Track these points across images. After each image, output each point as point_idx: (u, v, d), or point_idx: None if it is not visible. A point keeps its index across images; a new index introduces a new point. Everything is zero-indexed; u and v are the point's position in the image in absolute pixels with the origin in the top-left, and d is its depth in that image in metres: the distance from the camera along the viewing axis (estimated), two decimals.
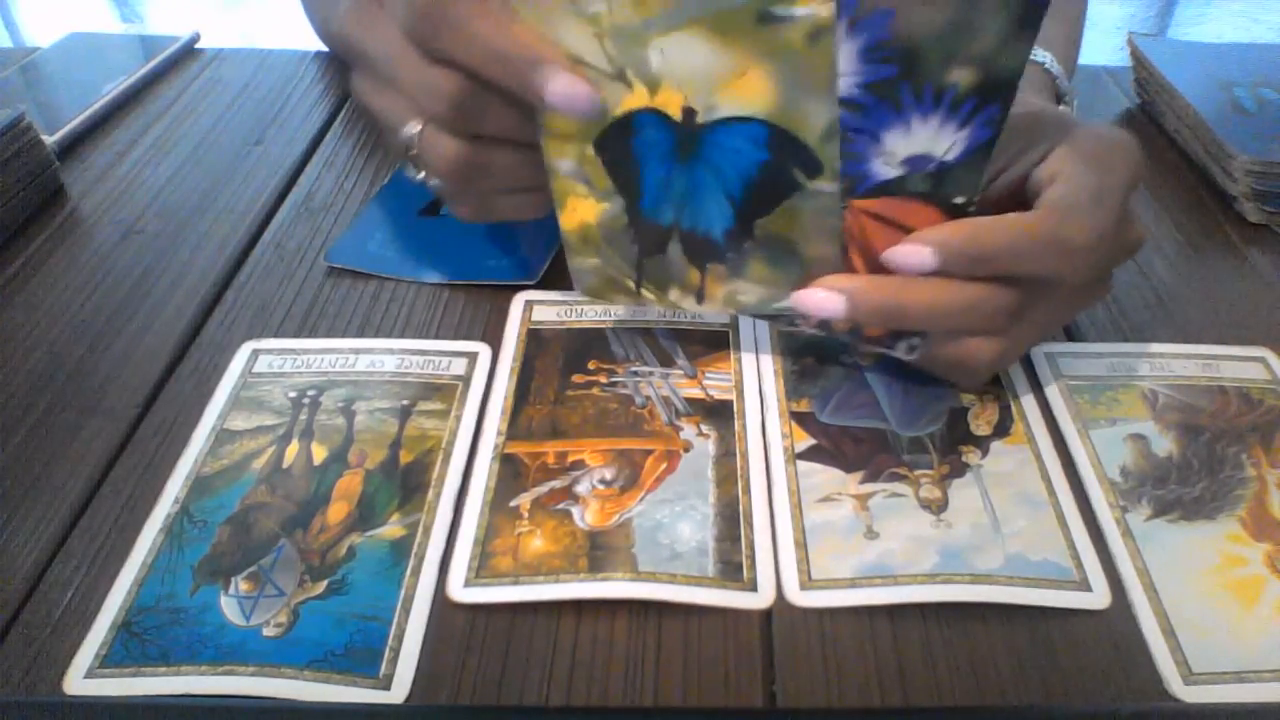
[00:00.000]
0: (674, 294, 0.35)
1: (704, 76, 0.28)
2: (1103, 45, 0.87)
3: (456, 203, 0.36)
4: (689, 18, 0.27)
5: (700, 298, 0.34)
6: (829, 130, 0.28)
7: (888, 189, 0.29)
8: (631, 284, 0.35)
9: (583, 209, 0.33)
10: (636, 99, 0.29)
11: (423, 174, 0.35)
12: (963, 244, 0.29)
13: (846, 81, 0.27)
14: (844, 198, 0.30)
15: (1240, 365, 0.36)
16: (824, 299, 0.31)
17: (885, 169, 0.29)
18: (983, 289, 0.30)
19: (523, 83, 0.30)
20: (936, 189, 0.29)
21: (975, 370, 0.32)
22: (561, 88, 0.29)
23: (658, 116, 0.30)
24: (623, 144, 0.31)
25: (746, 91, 0.28)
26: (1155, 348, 0.37)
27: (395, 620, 0.28)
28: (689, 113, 0.29)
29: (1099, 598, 0.28)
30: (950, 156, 0.28)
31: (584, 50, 0.29)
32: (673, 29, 0.27)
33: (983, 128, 0.27)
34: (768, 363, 0.36)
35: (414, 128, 0.33)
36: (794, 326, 0.34)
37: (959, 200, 0.29)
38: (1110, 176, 0.30)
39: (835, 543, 0.30)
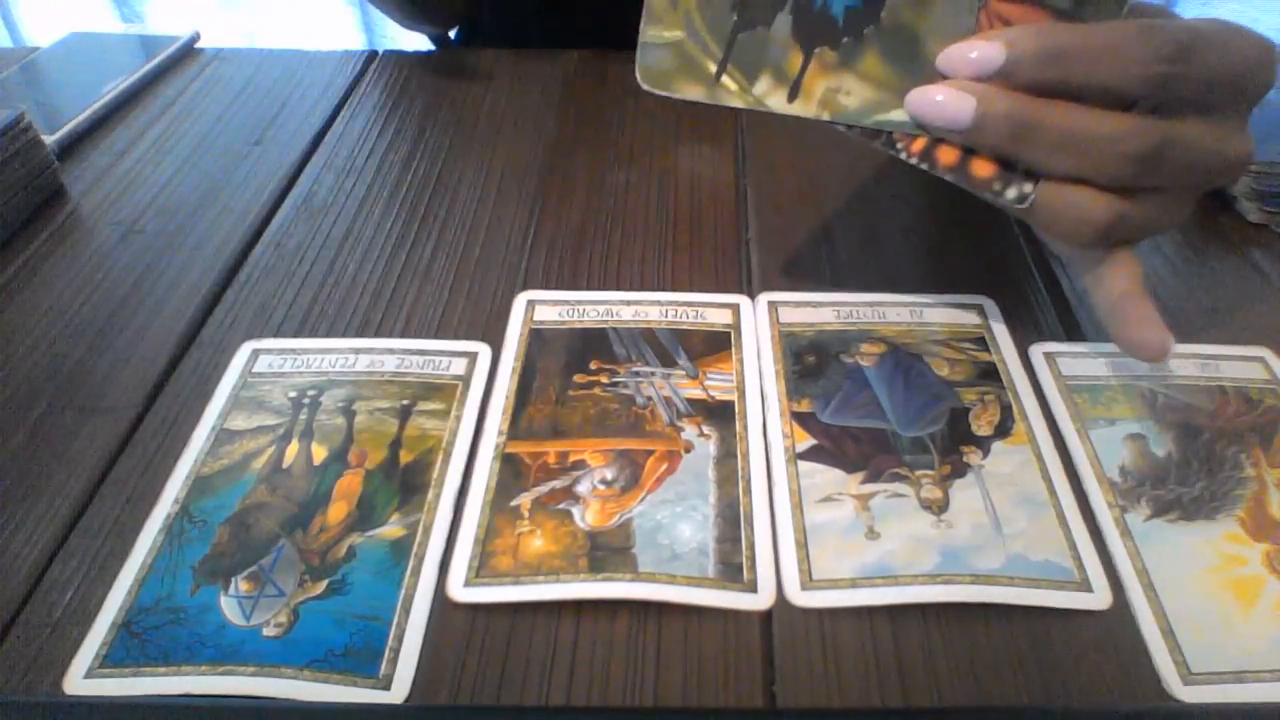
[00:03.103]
0: (762, 85, 0.30)
1: None
2: None
3: None
4: None
5: (794, 92, 0.30)
6: None
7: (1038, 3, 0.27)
8: (712, 66, 0.30)
9: None
10: None
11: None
12: (1034, 36, 0.27)
13: None
14: None
15: (1240, 365, 0.36)
16: (950, 100, 0.28)
17: None
18: (1123, 122, 0.28)
19: None
20: (1078, 7, 0.27)
21: (1083, 227, 0.30)
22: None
23: None
24: None
25: None
26: None
27: (395, 620, 0.28)
28: None
29: (1100, 598, 0.28)
30: None
31: None
32: None
33: None
34: (769, 363, 0.36)
35: None
36: (893, 150, 0.31)
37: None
38: (1218, 43, 0.28)
39: (836, 543, 0.30)
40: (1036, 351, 0.37)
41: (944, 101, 0.28)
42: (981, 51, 0.28)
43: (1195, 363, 0.36)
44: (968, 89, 0.28)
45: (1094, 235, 0.30)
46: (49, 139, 0.48)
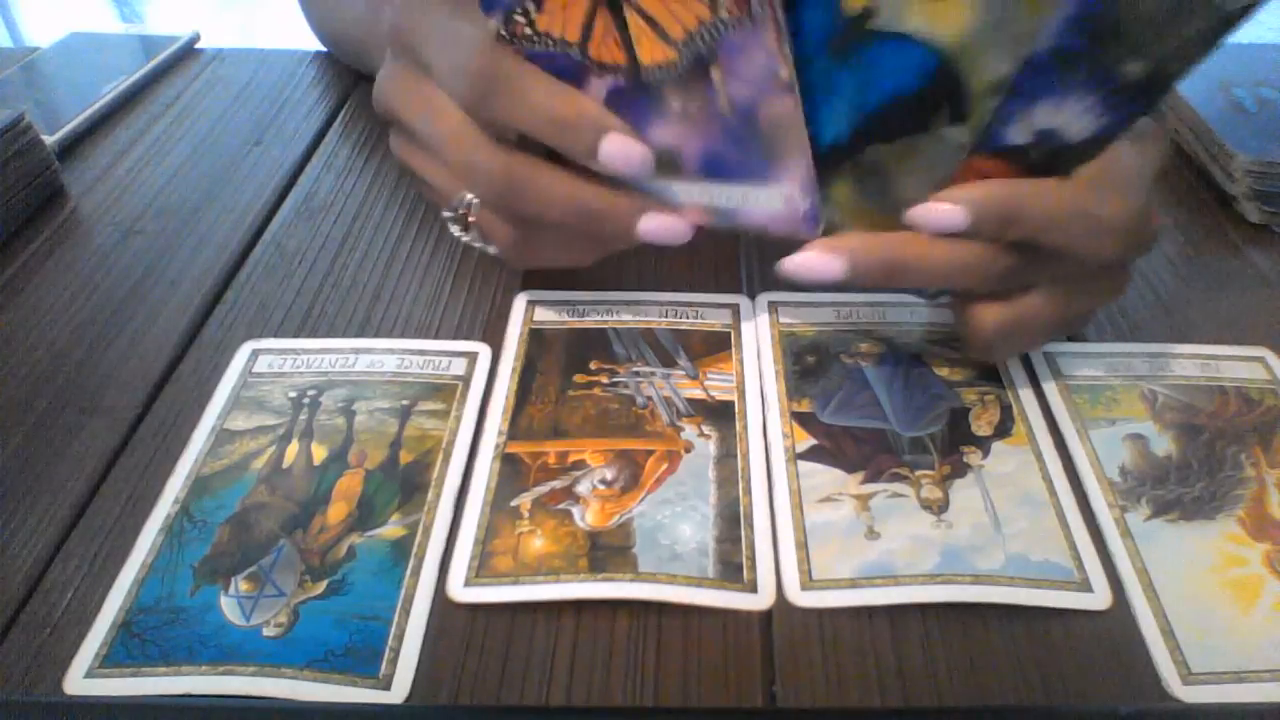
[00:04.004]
0: None
1: None
2: None
3: (510, 261, 0.36)
4: None
5: None
6: (997, 84, 0.27)
7: (1007, 153, 0.29)
8: None
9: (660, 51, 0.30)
10: None
11: (477, 241, 0.35)
12: (996, 204, 0.29)
13: (1039, 40, 0.26)
14: (966, 151, 0.29)
15: (1240, 365, 0.36)
16: (822, 262, 0.30)
17: (1017, 135, 0.28)
18: (983, 250, 0.30)
19: (576, 144, 0.30)
20: (1048, 165, 0.29)
21: (981, 336, 0.32)
22: (616, 148, 0.30)
23: (832, 1, 0.28)
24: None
25: (943, 15, 0.27)
26: (1155, 348, 0.37)
27: (395, 620, 0.28)
28: (868, 12, 0.27)
29: (1100, 599, 0.28)
30: (1077, 139, 0.28)
31: None
32: None
33: (1118, 121, 0.27)
34: (769, 363, 0.36)
35: (466, 198, 0.33)
36: None
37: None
38: (1142, 158, 0.30)
39: (836, 543, 0.30)
40: (1036, 351, 0.37)
41: (817, 264, 0.30)
42: (948, 215, 0.29)
43: (1195, 363, 0.36)
44: (839, 248, 0.30)
45: (988, 343, 0.32)
46: (49, 139, 0.48)
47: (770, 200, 0.32)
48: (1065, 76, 0.27)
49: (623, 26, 0.29)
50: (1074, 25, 0.26)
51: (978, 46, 0.27)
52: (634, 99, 0.30)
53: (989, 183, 0.29)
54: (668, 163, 0.31)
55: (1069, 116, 0.28)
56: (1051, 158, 0.29)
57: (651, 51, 0.29)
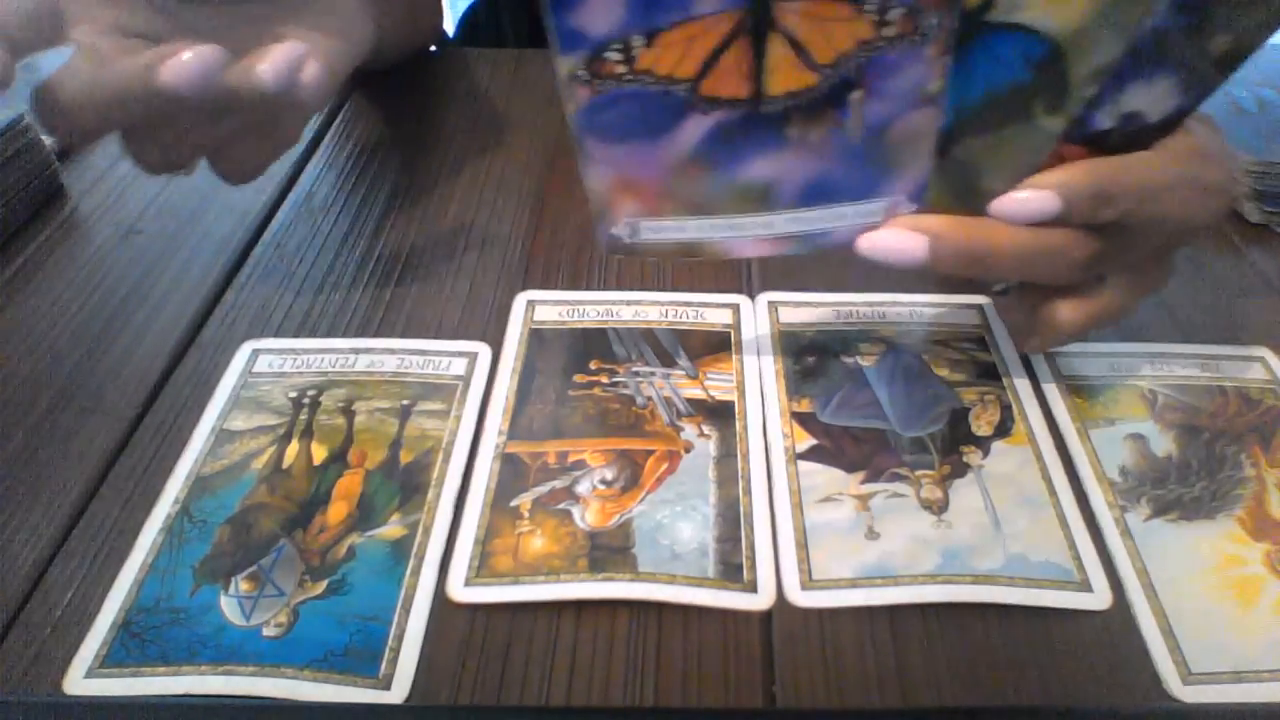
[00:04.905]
0: None
1: None
2: None
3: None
4: None
5: None
6: (1100, 69, 0.26)
7: (1090, 139, 0.28)
8: None
9: None
10: None
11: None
12: (1090, 184, 0.27)
13: (1148, 22, 0.25)
14: (1057, 140, 0.28)
15: (1240, 365, 0.36)
16: (904, 241, 0.28)
17: (1105, 119, 0.27)
18: (1070, 234, 0.28)
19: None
20: (1125, 146, 0.28)
21: (1058, 332, 0.31)
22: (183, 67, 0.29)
23: None
24: None
25: (1063, 2, 0.25)
26: (1155, 348, 0.37)
27: (395, 620, 0.28)
28: (986, 3, 0.26)
29: (1100, 599, 0.28)
30: (1156, 118, 0.27)
31: None
32: None
33: (1196, 97, 0.27)
34: (769, 363, 0.36)
35: None
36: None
37: None
38: (1212, 129, 0.29)
39: (836, 543, 0.30)
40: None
41: (899, 243, 0.28)
42: (1039, 202, 0.28)
43: (1195, 363, 0.36)
44: (921, 228, 0.28)
45: (1063, 338, 0.32)
46: (49, 139, 0.48)
47: (873, 214, 0.30)
48: (1159, 57, 0.26)
49: (758, 56, 0.27)
50: (1174, 3, 0.25)
51: (1091, 33, 0.26)
52: (740, 133, 0.28)
53: (1076, 164, 0.28)
54: (759, 196, 0.29)
55: (1154, 97, 0.27)
56: (1129, 139, 0.28)
57: (785, 80, 0.27)
